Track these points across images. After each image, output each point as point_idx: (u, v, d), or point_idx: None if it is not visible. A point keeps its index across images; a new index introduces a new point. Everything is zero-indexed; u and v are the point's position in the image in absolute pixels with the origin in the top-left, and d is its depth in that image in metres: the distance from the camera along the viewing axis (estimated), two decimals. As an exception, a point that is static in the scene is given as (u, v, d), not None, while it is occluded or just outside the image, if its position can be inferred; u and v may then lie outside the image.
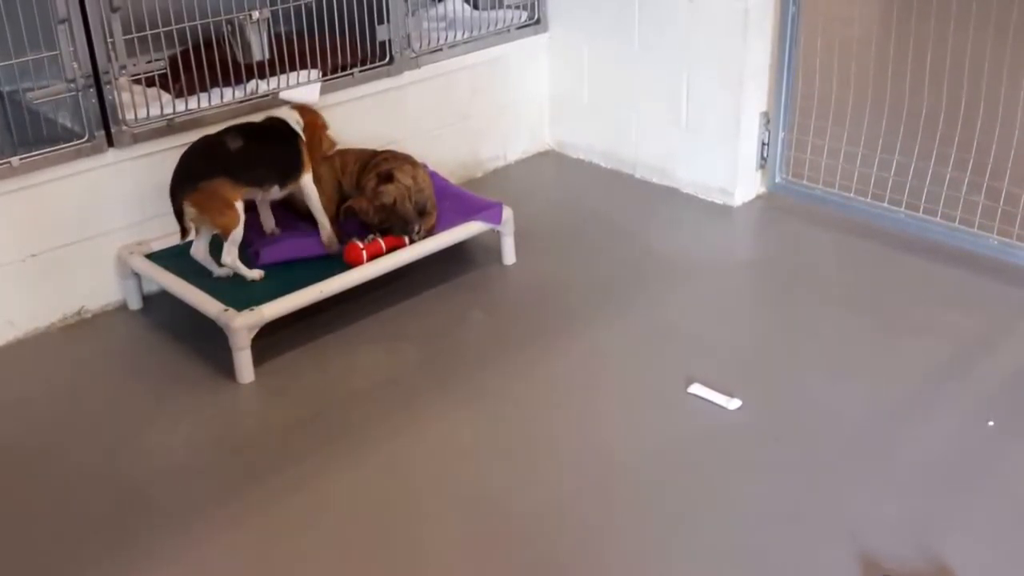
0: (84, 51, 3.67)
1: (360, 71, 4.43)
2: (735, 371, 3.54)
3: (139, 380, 3.60)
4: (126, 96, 3.83)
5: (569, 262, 4.31)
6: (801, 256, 4.33)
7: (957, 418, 3.29)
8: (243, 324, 3.47)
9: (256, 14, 4.13)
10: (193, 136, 3.85)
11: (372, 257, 3.82)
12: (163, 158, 3.91)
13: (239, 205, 3.65)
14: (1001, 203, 4.13)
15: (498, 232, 4.18)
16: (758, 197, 4.76)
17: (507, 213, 4.16)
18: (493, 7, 4.98)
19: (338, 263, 3.81)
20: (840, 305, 3.93)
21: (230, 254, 3.68)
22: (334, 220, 3.99)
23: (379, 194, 3.90)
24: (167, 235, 3.95)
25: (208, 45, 4.07)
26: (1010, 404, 3.34)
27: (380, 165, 3.98)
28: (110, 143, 3.82)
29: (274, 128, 3.81)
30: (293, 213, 4.05)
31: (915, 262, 4.18)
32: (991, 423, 3.23)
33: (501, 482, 3.09)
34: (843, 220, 4.50)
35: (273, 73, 4.15)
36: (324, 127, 3.94)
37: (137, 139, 3.87)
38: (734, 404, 3.34)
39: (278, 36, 4.32)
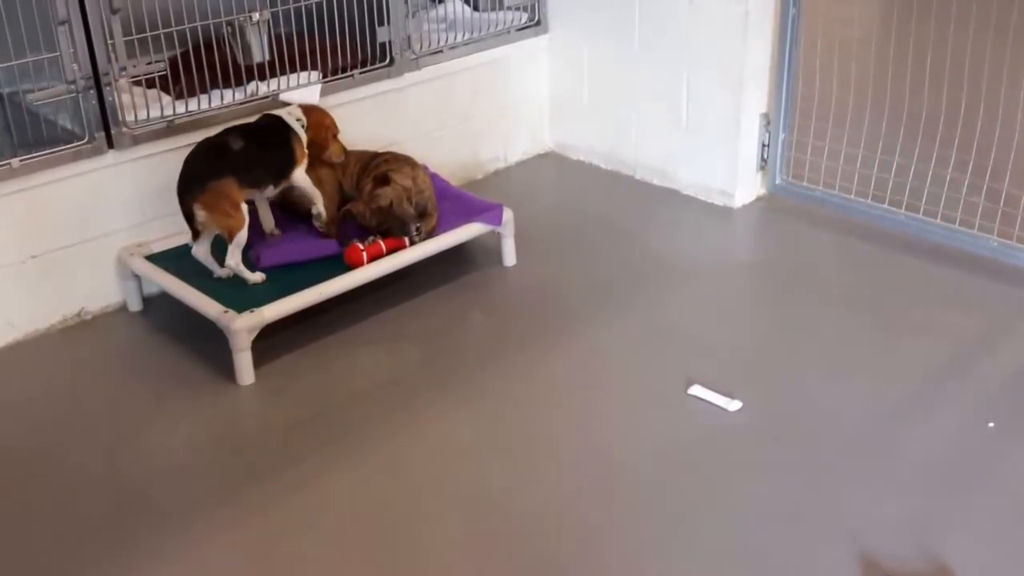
0: (84, 52, 3.67)
1: (360, 73, 4.43)
2: (735, 372, 3.54)
3: (139, 381, 3.60)
4: (126, 98, 3.84)
5: (569, 263, 4.31)
6: (801, 257, 4.33)
7: (957, 418, 3.29)
8: (243, 326, 3.47)
9: (256, 15, 4.13)
10: (193, 138, 3.86)
11: (372, 259, 3.82)
12: (163, 160, 3.92)
13: (244, 207, 3.66)
14: (1001, 204, 4.12)
15: (498, 233, 4.18)
16: (758, 198, 4.76)
17: (507, 214, 4.16)
18: (493, 8, 4.99)
19: (338, 265, 3.81)
20: (840, 306, 3.93)
21: (234, 256, 3.67)
22: (333, 222, 3.99)
23: (375, 197, 3.90)
24: (167, 237, 3.97)
25: (208, 46, 4.06)
26: (1010, 404, 3.33)
27: (378, 167, 3.98)
28: (110, 145, 3.82)
29: (269, 127, 3.82)
30: (293, 214, 4.05)
31: (915, 263, 4.18)
32: (991, 424, 3.23)
33: (501, 482, 3.09)
34: (843, 221, 4.50)
35: (273, 75, 4.15)
36: (331, 129, 3.93)
37: (137, 141, 3.87)
38: (734, 405, 3.34)
39: (278, 37, 4.32)
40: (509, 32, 4.98)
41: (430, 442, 3.27)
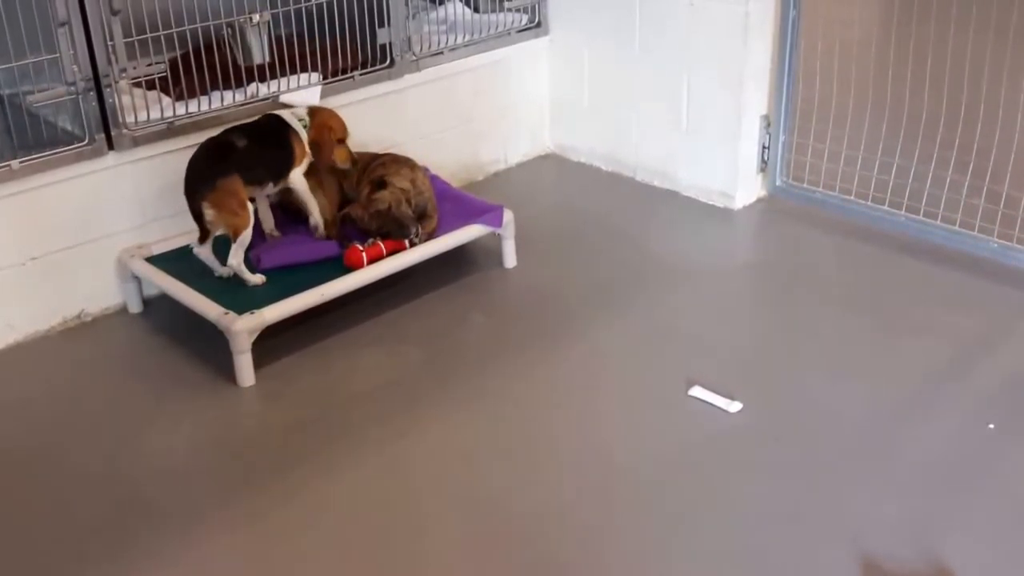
0: (84, 54, 3.67)
1: (361, 74, 4.43)
2: (735, 373, 3.54)
3: (139, 383, 3.60)
4: (126, 99, 3.84)
5: (570, 265, 4.31)
6: (802, 258, 4.33)
7: (957, 419, 3.29)
8: (244, 327, 3.47)
9: (256, 17, 4.14)
10: (193, 139, 3.86)
11: (372, 260, 3.82)
12: (163, 161, 3.93)
13: (250, 206, 3.66)
14: (1001, 206, 4.12)
15: (499, 235, 4.18)
16: (759, 200, 4.76)
17: (508, 216, 4.16)
18: (494, 10, 4.99)
19: (339, 267, 3.81)
20: (841, 307, 3.93)
21: (236, 256, 3.68)
22: (333, 224, 3.99)
23: (373, 201, 3.90)
24: (167, 238, 3.97)
25: (208, 48, 4.06)
26: (1010, 405, 3.33)
27: (375, 171, 3.98)
28: (110, 146, 3.82)
29: (270, 126, 3.82)
30: (293, 216, 4.05)
31: (915, 264, 4.18)
32: (991, 425, 3.23)
33: (501, 483, 3.09)
34: (843, 223, 4.50)
35: (273, 76, 4.15)
36: (335, 132, 3.90)
37: (137, 142, 3.87)
38: (735, 407, 3.34)
39: (278, 39, 4.32)
40: (509, 34, 4.98)
41: (431, 443, 3.27)
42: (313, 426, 3.35)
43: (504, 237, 4.19)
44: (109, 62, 3.72)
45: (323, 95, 4.25)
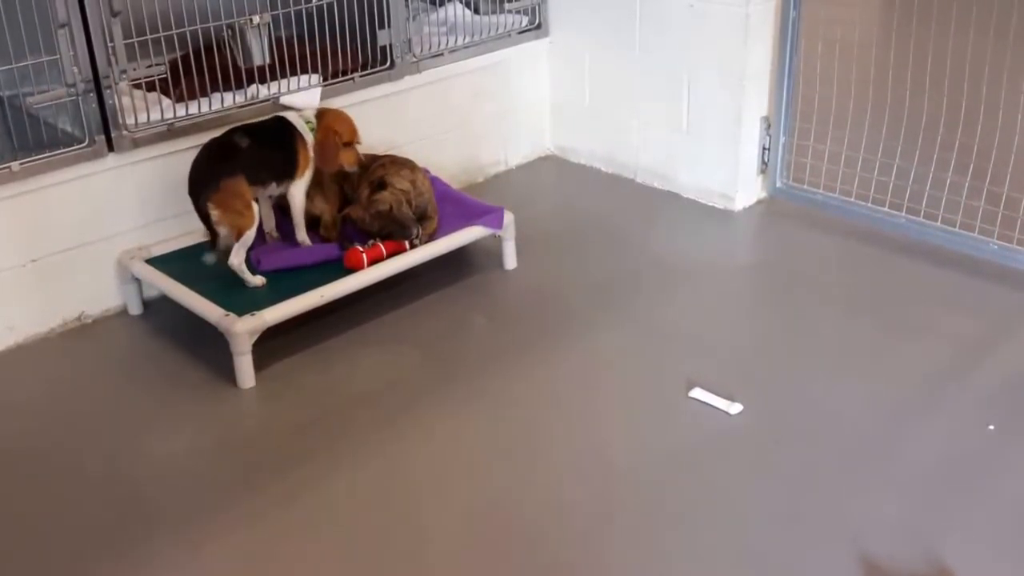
0: (84, 55, 3.67)
1: (361, 76, 4.43)
2: (736, 374, 3.54)
3: (140, 385, 3.60)
4: (126, 101, 3.83)
5: (570, 266, 4.31)
6: (802, 260, 4.33)
7: (957, 420, 3.29)
8: (244, 329, 3.46)
9: (257, 18, 4.14)
10: (194, 141, 3.86)
11: (373, 262, 3.82)
12: (164, 163, 3.93)
13: (255, 206, 3.66)
14: (1001, 208, 4.12)
15: (499, 237, 4.17)
16: (759, 202, 4.76)
17: (508, 218, 4.16)
18: (494, 12, 4.99)
19: (339, 268, 3.80)
20: (841, 308, 3.93)
21: (238, 256, 3.67)
22: (333, 226, 3.99)
23: (374, 203, 3.90)
24: (168, 240, 3.97)
25: (208, 49, 4.06)
26: (1010, 407, 3.33)
27: (375, 172, 3.98)
28: (110, 148, 3.82)
29: (275, 127, 3.82)
30: (287, 219, 4.04)
31: (915, 266, 4.18)
32: (991, 427, 3.23)
33: (502, 484, 3.09)
34: (844, 224, 4.49)
35: (274, 78, 4.15)
36: (341, 135, 3.87)
37: (137, 144, 3.87)
38: (735, 408, 3.34)
39: (279, 40, 4.32)
40: (510, 35, 4.98)
41: (431, 444, 3.26)
42: (314, 427, 3.35)
43: (504, 239, 4.19)
44: (109, 63, 3.72)
45: (323, 97, 4.25)
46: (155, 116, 3.90)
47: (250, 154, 3.68)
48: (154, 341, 3.85)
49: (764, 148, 4.66)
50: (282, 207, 4.05)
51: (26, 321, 3.82)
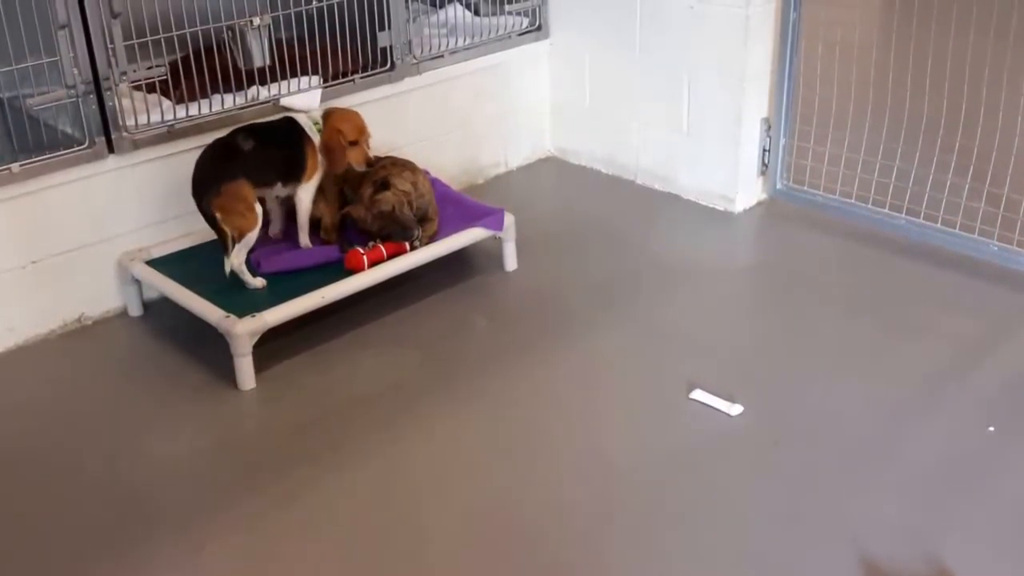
0: (84, 57, 3.67)
1: (361, 77, 4.43)
2: (736, 375, 3.54)
3: (140, 387, 3.60)
4: (126, 102, 3.83)
5: (571, 268, 4.31)
6: (802, 261, 4.33)
7: (957, 421, 3.29)
8: (245, 330, 3.46)
9: (257, 20, 4.14)
10: (194, 142, 3.87)
11: (373, 263, 3.82)
12: (164, 164, 3.93)
13: (259, 208, 3.66)
14: (1001, 209, 4.12)
15: (500, 238, 4.17)
16: (759, 203, 4.76)
17: (508, 219, 4.16)
18: (494, 13, 4.99)
19: (340, 269, 3.80)
20: (841, 309, 3.93)
21: (239, 255, 3.67)
22: (334, 228, 3.99)
23: (376, 202, 3.89)
24: (168, 241, 3.97)
25: (209, 51, 4.06)
26: (1010, 408, 3.33)
27: (377, 172, 3.98)
28: (110, 149, 3.82)
29: (283, 128, 3.82)
30: (294, 221, 4.04)
31: (916, 267, 4.18)
32: (991, 428, 3.23)
33: (502, 485, 3.09)
34: (844, 226, 4.50)
35: (274, 79, 4.16)
36: (346, 135, 3.85)
37: (137, 145, 3.87)
38: (736, 410, 3.34)
39: (279, 42, 4.32)
40: (510, 37, 4.98)
41: (432, 445, 3.26)
42: (314, 428, 3.35)
43: (505, 240, 4.19)
44: (109, 65, 3.72)
45: (323, 98, 4.25)
46: (155, 118, 3.90)
47: (254, 155, 3.67)
48: (154, 342, 3.85)
49: (764, 149, 4.66)
50: (287, 209, 4.04)
51: (26, 322, 3.82)
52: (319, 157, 3.85)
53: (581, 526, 2.91)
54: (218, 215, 3.60)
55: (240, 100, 4.08)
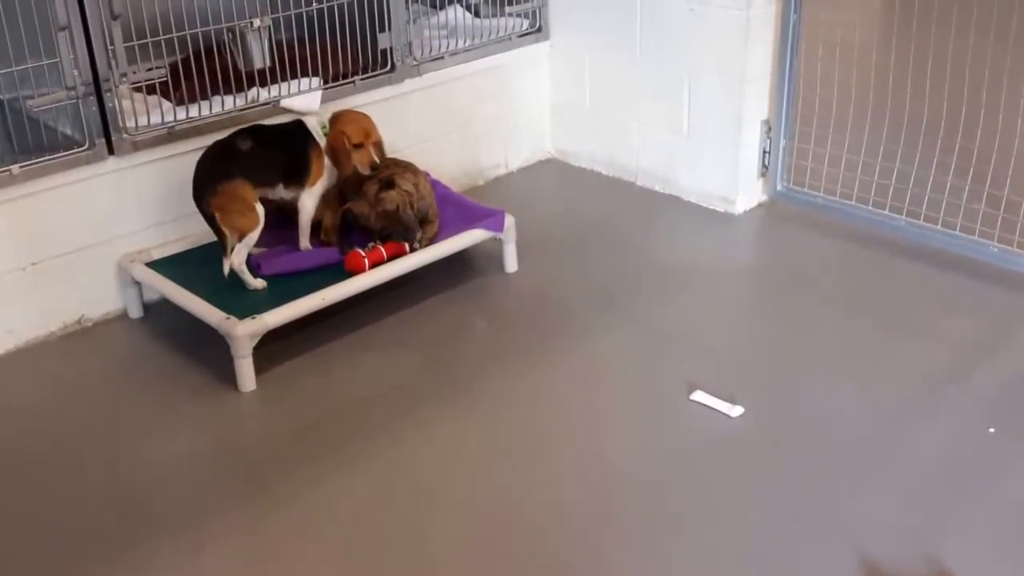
0: (84, 58, 3.67)
1: (361, 79, 4.43)
2: (737, 376, 3.54)
3: (140, 389, 3.60)
4: (126, 104, 3.83)
5: (571, 270, 4.31)
6: (803, 263, 4.33)
7: (957, 422, 3.29)
8: (245, 332, 3.46)
9: (257, 21, 4.14)
10: (194, 144, 3.87)
11: (374, 265, 3.82)
12: (164, 166, 3.93)
13: (259, 208, 3.66)
14: (1001, 211, 4.12)
15: (500, 240, 4.17)
16: (759, 205, 4.76)
17: (509, 221, 4.16)
18: (495, 15, 4.99)
19: (340, 271, 3.80)
20: (841, 311, 3.93)
21: (239, 255, 3.67)
22: (334, 231, 3.99)
23: (381, 201, 3.89)
24: (168, 243, 3.97)
25: (209, 52, 4.06)
26: (1010, 409, 3.33)
27: (382, 171, 3.98)
28: (110, 151, 3.82)
29: (288, 131, 3.82)
30: (294, 224, 4.04)
31: (916, 269, 4.18)
32: (992, 430, 3.23)
33: (503, 485, 3.09)
34: (844, 227, 4.50)
35: (274, 81, 4.15)
36: (350, 137, 3.83)
37: (138, 147, 3.87)
38: (736, 411, 3.34)
39: (279, 43, 4.33)
40: (510, 39, 4.98)
41: (432, 446, 3.26)
42: (314, 430, 3.35)
43: (505, 242, 4.19)
44: (109, 66, 3.72)
45: (324, 100, 4.25)
46: (155, 119, 3.90)
47: (252, 155, 3.68)
48: (154, 344, 3.85)
49: (764, 151, 4.66)
50: (288, 211, 4.04)
51: (26, 324, 3.82)
52: (325, 162, 3.84)
53: (581, 526, 2.91)
54: (217, 215, 3.60)
55: (240, 102, 4.08)
